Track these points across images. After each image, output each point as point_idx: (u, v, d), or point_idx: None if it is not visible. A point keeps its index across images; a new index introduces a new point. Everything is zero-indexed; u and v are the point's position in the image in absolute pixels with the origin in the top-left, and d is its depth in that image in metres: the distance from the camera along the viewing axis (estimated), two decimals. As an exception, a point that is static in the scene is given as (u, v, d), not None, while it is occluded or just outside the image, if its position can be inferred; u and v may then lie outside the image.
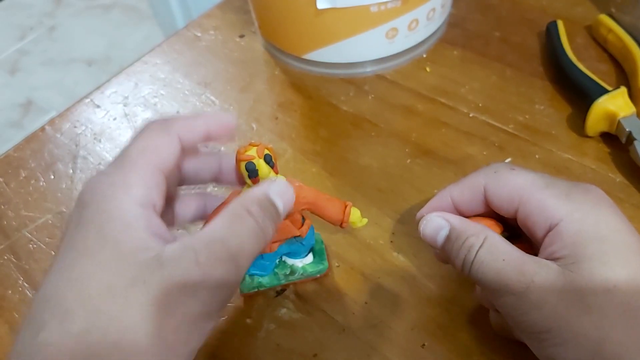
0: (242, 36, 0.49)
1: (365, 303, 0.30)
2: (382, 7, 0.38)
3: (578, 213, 0.23)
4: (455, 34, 0.46)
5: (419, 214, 0.28)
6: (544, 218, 0.23)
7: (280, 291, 0.31)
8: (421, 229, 0.26)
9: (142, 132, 0.23)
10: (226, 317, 0.30)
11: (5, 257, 0.35)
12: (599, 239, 0.22)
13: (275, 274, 0.31)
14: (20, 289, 0.33)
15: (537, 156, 0.36)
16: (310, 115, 0.41)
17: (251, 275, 0.31)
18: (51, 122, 0.43)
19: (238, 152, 0.25)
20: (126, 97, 0.45)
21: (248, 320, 0.30)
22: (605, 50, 0.43)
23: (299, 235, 0.29)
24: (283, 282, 0.31)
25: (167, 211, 0.26)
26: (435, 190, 0.35)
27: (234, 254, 0.21)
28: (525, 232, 0.25)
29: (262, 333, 0.30)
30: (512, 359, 0.27)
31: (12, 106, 1.47)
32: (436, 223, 0.25)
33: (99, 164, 0.40)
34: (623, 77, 0.40)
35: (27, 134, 0.43)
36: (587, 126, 0.36)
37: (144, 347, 0.18)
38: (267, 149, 0.25)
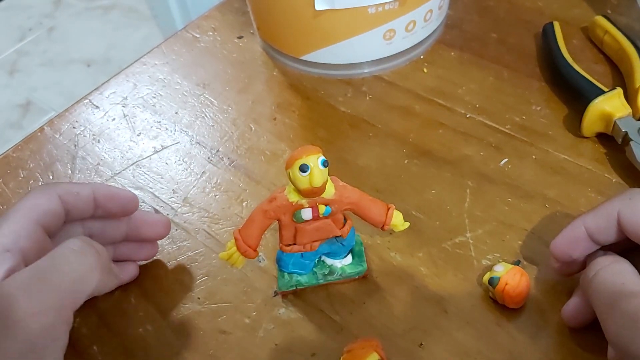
0: (240, 37, 0.49)
1: (364, 303, 0.30)
2: (380, 9, 0.39)
3: None
4: (453, 35, 0.46)
5: (553, 245, 0.27)
6: None
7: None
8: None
9: (26, 195, 0.26)
10: (225, 316, 0.31)
11: (5, 258, 0.35)
12: None
13: (314, 273, 0.31)
14: (19, 289, 0.33)
15: (533, 157, 0.37)
16: (308, 116, 0.41)
17: (290, 274, 0.31)
18: (50, 122, 0.43)
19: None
20: (125, 98, 0.45)
21: (247, 320, 0.30)
22: (601, 51, 0.43)
23: (340, 236, 0.29)
24: (321, 281, 0.31)
25: None
26: (433, 191, 0.35)
27: (42, 277, 0.22)
28: None
29: (261, 333, 0.30)
30: (508, 358, 0.28)
31: (11, 107, 1.47)
32: (579, 230, 0.26)
33: (98, 164, 0.40)
34: (619, 78, 0.41)
35: (26, 135, 0.43)
36: (584, 127, 0.36)
37: None
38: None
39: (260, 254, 0.33)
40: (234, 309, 0.31)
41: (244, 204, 0.36)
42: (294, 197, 0.26)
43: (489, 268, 0.30)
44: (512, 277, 0.28)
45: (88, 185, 0.28)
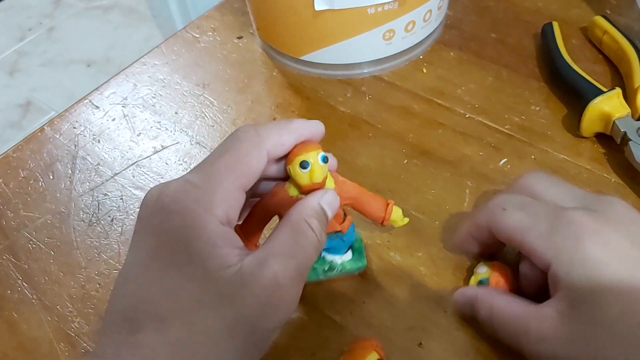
0: (240, 37, 0.49)
1: (363, 302, 0.30)
2: (379, 9, 0.39)
3: (564, 255, 0.23)
4: (452, 35, 0.46)
5: (453, 244, 0.32)
6: (537, 261, 0.24)
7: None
8: (453, 304, 0.29)
9: (235, 141, 0.23)
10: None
11: (5, 257, 0.35)
12: (587, 280, 0.22)
13: (314, 269, 0.31)
14: (19, 288, 0.33)
15: (532, 157, 0.37)
16: (308, 116, 0.42)
17: None
18: (50, 122, 0.43)
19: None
20: (125, 98, 0.45)
21: (246, 320, 0.30)
22: (600, 51, 0.43)
23: (340, 231, 0.29)
24: (321, 277, 0.31)
25: None
26: (433, 191, 0.35)
27: (302, 270, 0.22)
28: None
29: (260, 332, 0.30)
30: (508, 358, 0.28)
31: (11, 107, 1.47)
32: (461, 300, 0.28)
33: (98, 164, 0.40)
34: (618, 78, 0.41)
35: (26, 135, 0.43)
36: (583, 127, 0.36)
37: None
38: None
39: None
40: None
41: (243, 203, 0.36)
42: (294, 192, 0.26)
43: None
44: (501, 275, 0.28)
45: (291, 129, 0.25)
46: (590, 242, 0.23)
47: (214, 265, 0.21)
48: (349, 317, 0.30)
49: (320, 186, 0.26)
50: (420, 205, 0.35)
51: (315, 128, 0.26)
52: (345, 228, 0.29)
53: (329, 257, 0.31)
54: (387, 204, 0.29)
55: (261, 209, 0.27)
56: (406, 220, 0.30)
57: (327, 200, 0.25)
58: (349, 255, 0.31)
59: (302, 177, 0.25)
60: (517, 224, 0.25)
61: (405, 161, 0.37)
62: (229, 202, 0.22)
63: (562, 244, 0.23)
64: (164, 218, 0.21)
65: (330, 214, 0.25)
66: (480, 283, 0.29)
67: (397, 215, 0.29)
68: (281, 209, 0.27)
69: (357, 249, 0.31)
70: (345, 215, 0.29)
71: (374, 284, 0.31)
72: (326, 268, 0.31)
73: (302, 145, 0.25)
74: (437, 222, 0.34)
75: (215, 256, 0.21)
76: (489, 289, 0.27)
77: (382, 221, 0.29)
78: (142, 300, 0.20)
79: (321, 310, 0.30)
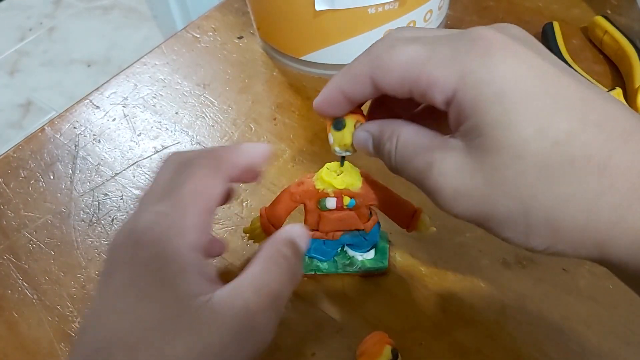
0: (240, 37, 0.49)
1: (363, 302, 0.31)
2: (380, 9, 0.39)
3: (470, 76, 0.19)
4: (453, 35, 0.46)
5: (314, 104, 0.25)
6: (438, 93, 0.20)
7: (278, 290, 0.31)
8: (354, 143, 0.25)
9: (194, 169, 0.24)
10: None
11: (5, 257, 0.35)
12: (498, 98, 0.19)
13: (335, 261, 0.31)
14: (19, 288, 0.33)
15: (533, 157, 0.37)
16: (308, 116, 0.42)
17: (310, 258, 0.31)
18: (51, 122, 0.43)
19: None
20: (125, 98, 0.45)
21: (246, 320, 0.30)
22: (600, 51, 0.43)
23: (363, 230, 0.29)
24: (340, 271, 0.31)
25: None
26: (432, 191, 0.35)
27: (276, 298, 0.22)
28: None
29: (260, 332, 0.30)
30: (507, 357, 0.28)
31: (11, 107, 1.47)
32: (361, 136, 0.24)
33: (98, 164, 0.40)
34: (618, 78, 0.41)
35: (26, 135, 0.43)
36: (583, 127, 0.36)
37: None
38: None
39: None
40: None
41: (244, 204, 0.36)
42: (320, 185, 0.27)
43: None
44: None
45: (244, 152, 0.25)
46: (500, 55, 0.19)
47: (184, 292, 0.21)
48: (349, 316, 0.30)
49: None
50: (420, 205, 0.34)
51: (262, 150, 0.25)
52: (369, 227, 0.29)
53: (351, 252, 0.31)
54: (415, 212, 0.28)
55: (287, 197, 0.27)
56: (432, 229, 0.29)
57: (297, 233, 0.24)
58: (371, 254, 0.31)
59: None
60: (411, 58, 0.21)
61: (406, 161, 0.37)
62: (198, 227, 0.22)
63: (469, 62, 0.20)
64: (138, 250, 0.21)
65: (303, 246, 0.24)
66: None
67: (422, 225, 0.29)
68: (306, 199, 0.27)
69: (380, 249, 0.31)
70: (371, 214, 0.29)
71: (374, 284, 0.31)
72: (346, 263, 0.31)
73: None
74: (437, 222, 0.34)
75: (186, 283, 0.21)
76: (397, 119, 0.23)
77: (407, 227, 0.29)
78: (114, 330, 0.20)
79: (321, 309, 0.30)
